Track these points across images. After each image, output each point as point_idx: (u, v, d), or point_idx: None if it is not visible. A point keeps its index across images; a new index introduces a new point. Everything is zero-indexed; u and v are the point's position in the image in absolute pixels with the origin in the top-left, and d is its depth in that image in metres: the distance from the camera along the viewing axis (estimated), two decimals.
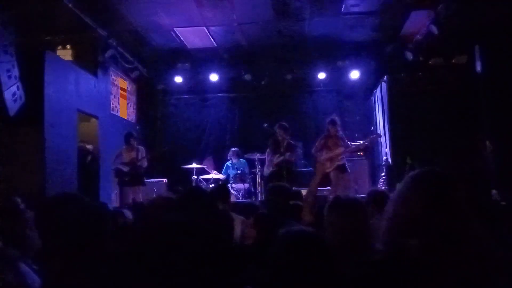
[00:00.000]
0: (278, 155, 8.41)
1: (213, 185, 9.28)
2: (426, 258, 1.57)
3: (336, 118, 8.38)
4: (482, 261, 1.56)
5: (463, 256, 1.57)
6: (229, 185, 9.51)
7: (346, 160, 8.46)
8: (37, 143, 7.07)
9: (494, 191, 6.81)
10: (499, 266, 1.58)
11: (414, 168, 3.81)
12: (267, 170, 8.61)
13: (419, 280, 1.56)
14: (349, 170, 8.35)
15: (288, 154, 8.28)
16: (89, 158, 8.74)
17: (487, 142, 8.36)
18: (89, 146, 8.84)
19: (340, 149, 8.21)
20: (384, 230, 1.73)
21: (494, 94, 8.29)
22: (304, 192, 5.23)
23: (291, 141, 8.45)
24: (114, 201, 9.10)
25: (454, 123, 8.94)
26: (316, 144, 8.35)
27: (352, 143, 8.45)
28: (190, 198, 2.18)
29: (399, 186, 1.81)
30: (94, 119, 9.32)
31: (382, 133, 10.10)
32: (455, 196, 1.67)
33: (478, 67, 8.67)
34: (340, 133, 8.38)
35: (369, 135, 9.23)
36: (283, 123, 8.47)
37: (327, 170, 8.29)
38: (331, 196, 5.66)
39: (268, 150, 8.68)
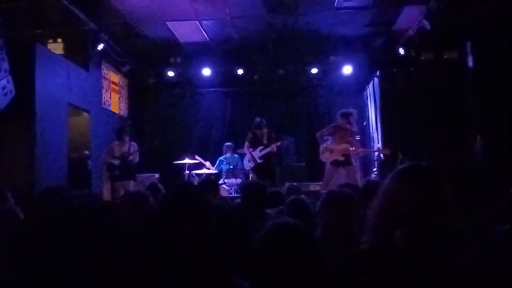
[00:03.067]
0: (261, 147, 8.43)
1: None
2: (410, 248, 1.60)
3: (349, 111, 8.18)
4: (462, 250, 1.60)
5: (446, 245, 1.61)
6: (221, 180, 9.54)
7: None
8: (27, 137, 7.02)
9: None
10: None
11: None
12: (250, 164, 8.63)
13: (404, 268, 1.60)
14: (352, 164, 8.18)
15: (278, 143, 8.27)
16: (89, 164, 8.65)
17: (478, 137, 8.42)
18: (86, 152, 8.76)
19: (344, 146, 8.05)
20: (371, 223, 1.76)
21: (485, 90, 8.34)
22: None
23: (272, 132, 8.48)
24: (105, 196, 9.06)
25: (445, 118, 9.01)
26: (324, 129, 8.22)
27: (362, 148, 8.33)
28: (177, 198, 2.12)
29: (386, 180, 1.85)
30: (85, 113, 9.26)
31: (374, 128, 10.14)
32: (439, 189, 1.71)
33: (469, 63, 8.73)
34: (352, 129, 8.20)
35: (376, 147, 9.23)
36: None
37: (324, 160, 8.24)
38: (323, 191, 5.66)
39: (246, 143, 8.69)
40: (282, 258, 1.58)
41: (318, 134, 8.18)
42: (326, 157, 8.17)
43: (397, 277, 1.62)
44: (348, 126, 8.09)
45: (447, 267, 1.57)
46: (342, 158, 7.99)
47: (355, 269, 1.70)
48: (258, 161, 8.50)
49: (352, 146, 8.01)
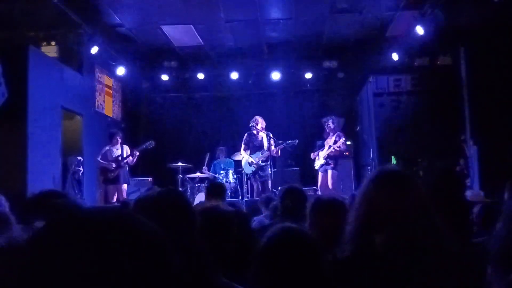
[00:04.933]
0: (262, 150, 8.44)
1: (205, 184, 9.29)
2: (390, 253, 1.61)
3: (329, 119, 8.50)
4: (442, 255, 1.63)
5: (425, 250, 1.62)
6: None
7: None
8: (20, 140, 6.96)
9: None
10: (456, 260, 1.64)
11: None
12: (251, 168, 8.58)
13: (384, 274, 1.60)
14: (332, 171, 8.33)
15: (280, 145, 8.27)
16: (81, 170, 8.57)
17: (471, 142, 8.47)
18: (79, 158, 8.69)
19: (324, 150, 8.29)
20: (350, 228, 1.76)
21: (478, 96, 8.40)
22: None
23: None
24: (98, 200, 9.01)
25: (439, 124, 9.05)
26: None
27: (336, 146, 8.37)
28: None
29: (362, 185, 1.87)
30: (78, 117, 9.21)
31: (367, 133, 10.17)
32: (415, 192, 1.72)
33: (463, 69, 8.78)
34: (332, 133, 8.39)
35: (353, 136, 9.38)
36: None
37: (316, 168, 8.50)
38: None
39: (243, 146, 8.67)
40: (284, 263, 1.57)
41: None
42: (316, 165, 8.47)
43: (380, 284, 1.62)
44: (328, 131, 8.42)
45: (429, 269, 1.58)
46: (323, 161, 8.24)
47: (335, 277, 1.69)
48: (262, 164, 8.50)
49: (331, 147, 8.20)
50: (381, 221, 1.69)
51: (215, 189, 5.04)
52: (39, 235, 0.71)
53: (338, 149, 8.24)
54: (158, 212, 2.04)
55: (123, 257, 0.68)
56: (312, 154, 8.74)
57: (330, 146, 8.29)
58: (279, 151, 8.40)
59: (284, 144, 8.30)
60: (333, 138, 8.34)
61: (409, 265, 1.60)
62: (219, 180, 9.47)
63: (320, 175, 8.48)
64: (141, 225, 0.75)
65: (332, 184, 8.19)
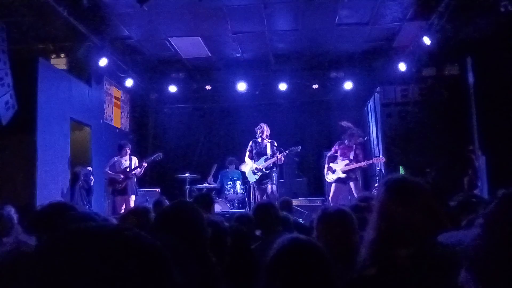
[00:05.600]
0: (266, 156, 8.38)
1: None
2: (415, 267, 1.58)
3: (345, 126, 8.27)
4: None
5: (446, 261, 1.58)
6: (223, 194, 9.52)
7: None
8: (29, 151, 7.02)
9: None
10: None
11: None
12: (255, 176, 8.48)
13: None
14: (356, 183, 8.14)
15: (284, 153, 8.14)
16: (92, 180, 8.60)
17: (479, 153, 8.41)
18: (89, 168, 8.73)
19: (343, 163, 8.10)
20: (369, 241, 1.74)
21: (486, 106, 8.36)
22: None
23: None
24: (106, 211, 9.04)
25: (446, 134, 9.01)
26: (332, 149, 8.29)
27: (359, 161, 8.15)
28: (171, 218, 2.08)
29: (376, 196, 1.83)
30: (87, 128, 9.28)
31: (375, 143, 10.13)
32: (429, 201, 1.70)
33: (470, 79, 8.75)
34: (353, 144, 8.20)
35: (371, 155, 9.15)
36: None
37: (329, 181, 8.26)
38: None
39: (247, 153, 8.62)
40: (294, 273, 1.57)
41: (327, 156, 8.27)
42: (330, 178, 8.24)
43: None
44: (348, 141, 8.11)
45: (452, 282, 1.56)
46: (343, 175, 8.01)
47: None
48: (265, 171, 8.40)
49: (353, 161, 8.00)
50: (402, 234, 1.67)
51: (202, 200, 4.69)
52: (44, 246, 0.73)
53: (364, 165, 8.03)
54: (173, 224, 2.06)
55: (124, 270, 0.70)
56: (326, 169, 8.38)
57: (351, 161, 8.04)
58: (283, 158, 8.26)
59: (287, 151, 8.19)
60: (353, 150, 8.11)
61: (436, 279, 1.57)
62: (225, 192, 9.48)
63: (334, 186, 8.22)
64: (142, 240, 0.77)
65: (357, 195, 7.99)
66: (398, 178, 1.87)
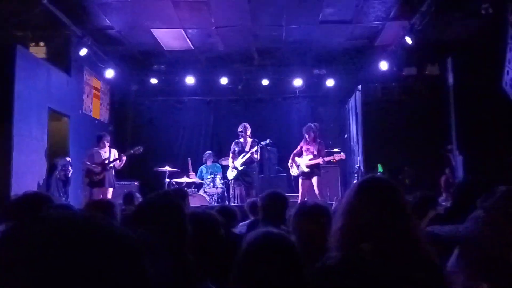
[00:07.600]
0: (243, 154, 8.44)
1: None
2: (377, 261, 1.62)
3: (312, 125, 8.35)
4: (423, 260, 1.67)
5: (408, 257, 1.67)
6: (202, 189, 9.49)
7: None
8: (5, 140, 6.88)
9: None
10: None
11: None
12: (232, 174, 8.62)
13: (372, 282, 1.61)
14: (317, 178, 8.24)
15: (255, 148, 8.24)
16: (70, 171, 8.47)
17: (457, 152, 8.55)
18: (68, 159, 8.59)
19: (306, 157, 8.23)
20: (336, 237, 1.78)
21: (465, 105, 8.49)
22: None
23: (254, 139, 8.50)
24: (82, 203, 8.92)
25: (426, 133, 9.13)
26: (297, 148, 8.39)
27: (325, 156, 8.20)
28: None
29: (346, 194, 1.90)
30: (65, 118, 9.13)
31: (355, 141, 10.21)
32: (398, 201, 1.76)
33: (450, 79, 8.88)
34: (315, 140, 8.32)
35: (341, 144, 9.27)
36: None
37: (293, 175, 8.43)
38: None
39: (231, 154, 8.68)
40: (264, 267, 1.56)
41: (293, 153, 8.37)
42: (294, 172, 8.38)
43: None
44: (309, 138, 8.24)
45: (419, 273, 1.60)
46: (307, 170, 8.11)
47: (324, 285, 1.70)
48: (240, 168, 8.48)
49: (316, 157, 8.11)
50: (367, 230, 1.71)
51: (175, 194, 4.37)
52: (5, 234, 0.71)
53: (322, 162, 8.13)
54: (150, 216, 2.03)
55: (90, 260, 0.67)
56: (290, 162, 8.43)
57: (315, 156, 8.13)
58: (258, 153, 8.36)
59: (257, 145, 8.30)
60: (317, 146, 8.24)
61: (397, 274, 1.63)
62: (204, 186, 9.46)
63: (300, 181, 8.29)
64: (113, 230, 0.74)
65: (319, 190, 8.14)
66: (369, 176, 1.94)
